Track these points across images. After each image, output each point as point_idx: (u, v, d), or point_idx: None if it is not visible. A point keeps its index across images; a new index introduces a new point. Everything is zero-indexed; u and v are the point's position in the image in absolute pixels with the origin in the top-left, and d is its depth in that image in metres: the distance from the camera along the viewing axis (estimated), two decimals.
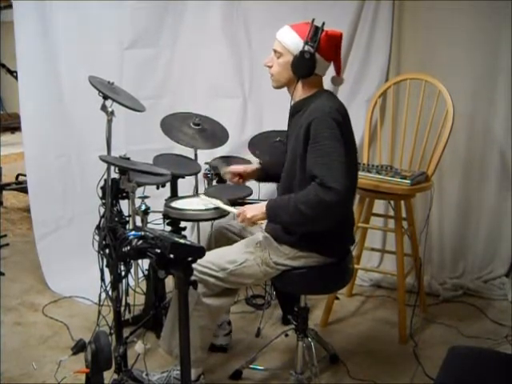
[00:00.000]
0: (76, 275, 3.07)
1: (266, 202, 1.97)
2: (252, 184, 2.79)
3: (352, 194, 1.98)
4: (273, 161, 2.36)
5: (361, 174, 2.57)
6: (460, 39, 3.01)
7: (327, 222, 1.90)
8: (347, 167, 1.83)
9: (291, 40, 1.97)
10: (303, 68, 1.96)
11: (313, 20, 1.95)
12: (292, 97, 2.06)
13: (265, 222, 2.05)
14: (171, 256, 1.64)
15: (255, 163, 2.38)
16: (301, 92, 2.03)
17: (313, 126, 1.87)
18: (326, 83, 2.08)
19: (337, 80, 2.10)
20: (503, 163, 3.10)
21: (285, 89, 2.08)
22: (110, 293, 2.12)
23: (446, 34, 3.03)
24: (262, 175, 2.34)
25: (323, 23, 1.94)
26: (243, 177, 2.32)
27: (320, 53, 1.95)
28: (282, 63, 2.00)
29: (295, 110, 2.05)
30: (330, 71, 2.07)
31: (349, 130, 1.98)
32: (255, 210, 1.98)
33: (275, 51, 2.02)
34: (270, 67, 2.05)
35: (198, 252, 1.69)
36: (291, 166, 2.00)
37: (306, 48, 1.93)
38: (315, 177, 1.83)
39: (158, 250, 1.67)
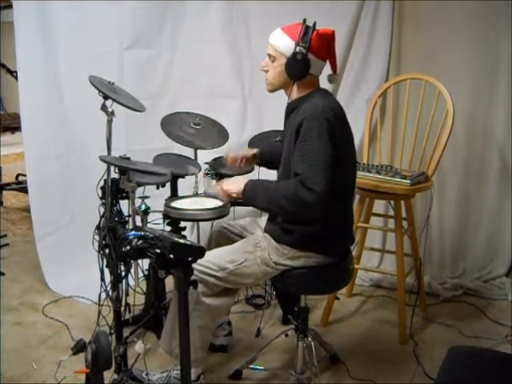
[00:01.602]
0: (76, 275, 3.07)
1: (245, 180, 1.98)
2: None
3: (333, 197, 1.87)
4: (272, 150, 2.39)
5: (361, 174, 2.58)
6: (460, 39, 3.01)
7: (304, 218, 1.95)
8: (332, 169, 1.82)
9: (283, 43, 1.97)
10: (297, 69, 1.96)
11: (304, 20, 1.95)
12: (289, 98, 2.06)
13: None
14: (171, 256, 1.64)
15: (255, 149, 2.40)
16: (297, 93, 2.03)
17: (303, 125, 1.87)
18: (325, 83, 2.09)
19: (333, 78, 2.09)
20: (503, 163, 3.10)
21: None
22: (110, 293, 2.12)
23: (446, 33, 3.03)
24: (260, 159, 2.38)
25: (314, 23, 1.94)
26: (244, 162, 2.37)
27: (313, 52, 1.94)
28: (276, 67, 2.00)
29: (290, 109, 2.06)
30: (328, 70, 2.07)
31: (344, 128, 1.98)
32: (232, 184, 2.01)
33: (269, 55, 2.03)
34: (267, 71, 2.05)
35: (198, 252, 1.69)
36: (286, 164, 2.01)
37: (298, 49, 1.93)
38: (298, 174, 1.84)
39: (158, 250, 1.67)
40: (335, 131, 1.88)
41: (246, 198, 1.98)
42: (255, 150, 2.38)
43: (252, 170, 2.68)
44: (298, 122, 1.90)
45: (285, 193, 1.85)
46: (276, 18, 2.62)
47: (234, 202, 2.46)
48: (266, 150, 2.41)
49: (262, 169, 2.51)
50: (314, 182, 1.80)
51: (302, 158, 1.86)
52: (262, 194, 1.94)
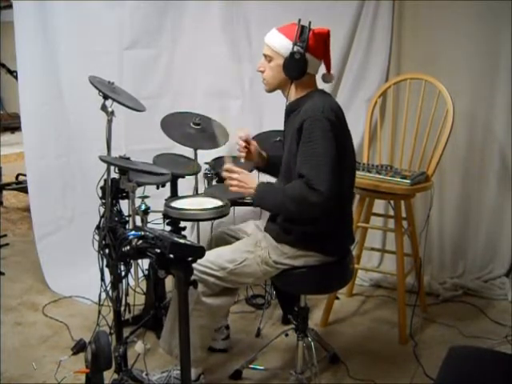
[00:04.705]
0: (76, 275, 3.07)
1: (258, 182, 2.00)
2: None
3: (339, 196, 1.88)
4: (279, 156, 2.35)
5: (361, 173, 2.58)
6: (460, 39, 3.01)
7: (310, 218, 1.95)
8: (336, 169, 1.83)
9: (280, 43, 1.98)
10: (295, 69, 1.96)
11: (299, 20, 1.96)
12: (287, 98, 2.06)
13: None
14: (171, 256, 1.64)
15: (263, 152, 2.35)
16: (295, 93, 2.03)
17: (305, 126, 1.88)
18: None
19: (327, 77, 2.10)
20: (503, 163, 3.10)
21: None
22: (110, 293, 2.12)
23: (446, 33, 3.03)
24: (264, 163, 2.27)
25: (310, 22, 1.95)
26: (250, 150, 2.21)
27: (310, 52, 1.95)
28: (273, 67, 2.01)
29: (290, 110, 2.06)
30: (321, 69, 2.08)
31: (343, 128, 1.99)
32: (246, 185, 1.99)
33: (265, 56, 2.03)
34: (263, 72, 2.05)
35: (198, 252, 1.70)
36: (288, 165, 2.01)
37: (296, 49, 1.94)
38: (303, 176, 1.85)
39: (158, 250, 1.67)
40: (336, 131, 1.88)
41: (255, 202, 2.02)
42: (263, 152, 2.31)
43: (252, 169, 2.67)
44: (298, 123, 1.91)
45: (291, 195, 1.87)
46: (276, 18, 2.61)
47: (234, 202, 2.47)
48: (276, 156, 2.34)
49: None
50: (319, 182, 1.81)
51: (305, 159, 1.86)
52: (271, 198, 1.97)
